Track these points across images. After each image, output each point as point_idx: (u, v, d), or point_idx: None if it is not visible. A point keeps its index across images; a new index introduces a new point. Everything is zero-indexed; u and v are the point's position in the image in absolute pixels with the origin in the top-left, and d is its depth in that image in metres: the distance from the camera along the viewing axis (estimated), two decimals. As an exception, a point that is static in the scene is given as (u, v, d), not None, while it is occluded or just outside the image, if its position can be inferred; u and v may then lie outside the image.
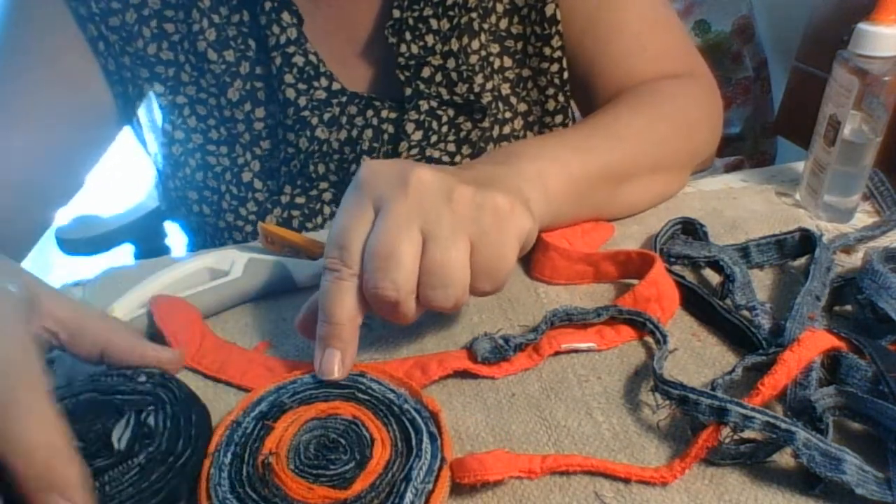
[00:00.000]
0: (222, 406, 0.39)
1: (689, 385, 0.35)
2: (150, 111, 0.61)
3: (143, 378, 0.37)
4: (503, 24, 0.62)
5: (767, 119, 1.57)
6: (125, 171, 1.53)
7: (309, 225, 0.63)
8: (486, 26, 0.61)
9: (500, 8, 0.61)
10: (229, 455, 0.33)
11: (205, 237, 0.65)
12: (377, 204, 0.37)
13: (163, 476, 0.32)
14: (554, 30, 0.61)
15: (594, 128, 0.53)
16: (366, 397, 0.36)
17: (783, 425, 0.32)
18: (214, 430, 0.35)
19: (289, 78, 0.58)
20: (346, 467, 0.32)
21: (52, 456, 0.29)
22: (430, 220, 0.36)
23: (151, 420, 0.34)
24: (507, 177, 0.43)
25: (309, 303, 0.40)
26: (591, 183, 0.49)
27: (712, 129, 0.61)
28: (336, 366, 0.37)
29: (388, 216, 0.36)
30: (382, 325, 0.45)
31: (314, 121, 0.59)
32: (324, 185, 0.62)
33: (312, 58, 0.58)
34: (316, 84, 0.59)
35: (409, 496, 0.31)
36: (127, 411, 0.35)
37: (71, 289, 0.51)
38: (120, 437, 0.33)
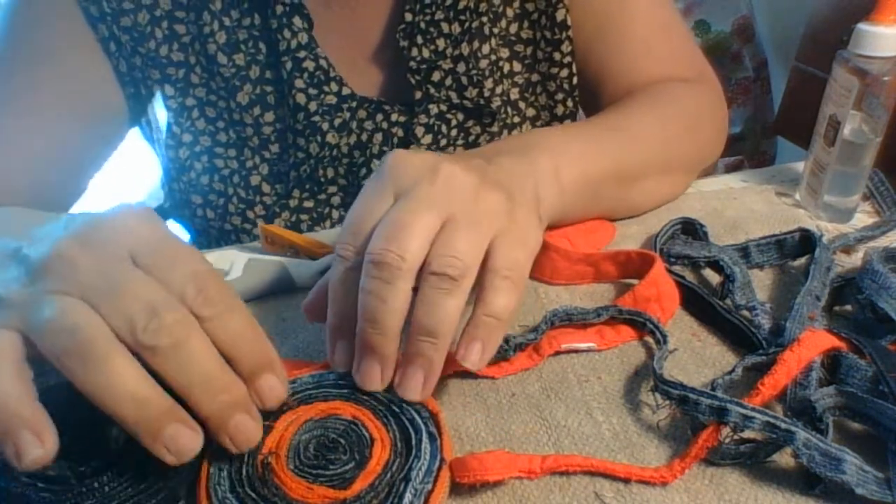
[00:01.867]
0: (222, 406, 0.39)
1: (688, 385, 0.35)
2: (155, 113, 0.61)
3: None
4: (513, 28, 0.62)
5: (767, 119, 1.57)
6: (126, 172, 1.53)
7: (317, 228, 0.63)
8: (496, 31, 0.61)
9: (510, 13, 0.61)
10: (229, 454, 0.33)
11: (209, 239, 0.65)
12: (399, 191, 0.36)
13: (161, 476, 0.32)
14: (564, 35, 0.61)
15: (607, 126, 0.53)
16: (365, 397, 0.36)
17: (783, 425, 0.32)
18: (214, 430, 0.35)
19: (299, 83, 0.58)
20: (346, 467, 0.32)
21: (259, 339, 0.32)
22: (454, 210, 0.35)
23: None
24: (526, 174, 0.42)
25: (318, 285, 0.39)
26: (603, 181, 0.49)
27: (718, 132, 0.61)
28: (343, 358, 0.36)
29: (409, 198, 0.35)
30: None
31: (324, 126, 0.59)
32: (332, 189, 0.62)
33: (323, 62, 0.58)
34: (326, 89, 0.59)
35: (408, 496, 0.31)
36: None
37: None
38: (117, 436, 0.33)
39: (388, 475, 0.32)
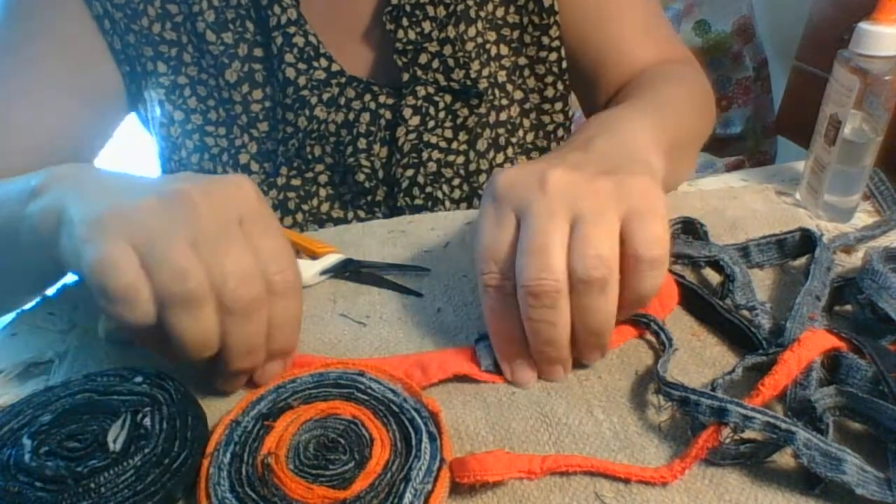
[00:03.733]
0: (221, 405, 0.39)
1: (689, 386, 0.35)
2: (151, 92, 0.62)
3: (139, 378, 0.37)
4: (499, 12, 0.63)
5: (767, 119, 1.57)
6: (125, 167, 1.53)
7: (305, 207, 0.63)
8: (482, 14, 0.62)
9: None
10: (228, 455, 0.33)
11: None
12: (518, 210, 0.37)
13: (158, 478, 0.32)
14: (552, 20, 0.62)
15: (655, 104, 0.52)
16: (365, 397, 0.36)
17: (783, 425, 0.31)
18: (214, 429, 0.35)
19: (289, 58, 0.58)
20: (346, 467, 0.32)
21: (295, 331, 0.39)
22: (577, 208, 0.36)
23: (147, 421, 0.34)
24: (626, 147, 0.42)
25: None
26: (671, 154, 0.48)
27: (713, 111, 0.63)
28: (524, 377, 0.39)
29: (534, 215, 0.36)
30: (381, 323, 0.45)
31: (313, 100, 0.60)
32: (320, 167, 0.63)
33: (312, 38, 0.59)
34: (316, 64, 0.59)
35: (408, 496, 0.31)
36: (123, 412, 0.35)
37: (71, 288, 0.51)
38: (115, 438, 0.33)
39: (388, 475, 0.32)
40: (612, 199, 0.36)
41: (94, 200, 0.35)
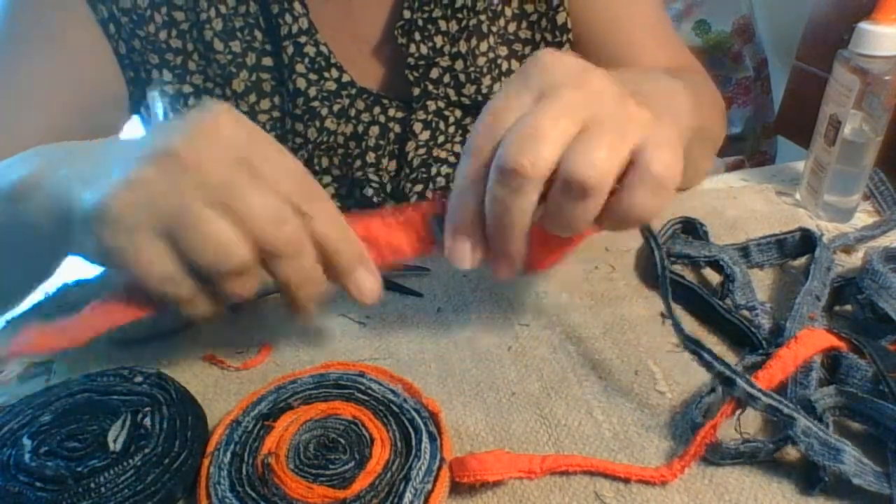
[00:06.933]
0: (222, 405, 0.39)
1: (706, 346, 0.35)
2: (155, 101, 0.61)
3: (139, 378, 0.37)
4: (511, 28, 0.62)
5: (767, 119, 1.57)
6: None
7: None
8: (494, 29, 0.61)
9: (508, 12, 0.62)
10: (229, 454, 0.33)
11: None
12: (542, 92, 0.33)
13: (158, 478, 0.32)
14: (565, 38, 0.62)
15: (683, 87, 0.47)
16: (365, 398, 0.36)
17: (785, 410, 0.32)
18: (214, 429, 0.35)
19: (300, 68, 0.58)
20: (346, 467, 0.32)
21: (350, 232, 0.37)
22: (600, 114, 0.32)
23: (147, 421, 0.34)
24: (669, 103, 0.40)
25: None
26: (697, 135, 0.47)
27: (724, 118, 0.63)
28: (461, 254, 0.36)
29: (550, 101, 0.32)
30: (381, 323, 0.45)
31: (324, 111, 0.59)
32: (327, 179, 0.62)
33: (323, 49, 0.58)
34: (326, 75, 0.59)
35: (408, 496, 0.31)
36: (123, 412, 0.35)
37: (71, 288, 0.51)
38: (116, 437, 0.33)
39: (388, 475, 0.32)
40: (637, 124, 0.33)
41: (96, 184, 0.33)
